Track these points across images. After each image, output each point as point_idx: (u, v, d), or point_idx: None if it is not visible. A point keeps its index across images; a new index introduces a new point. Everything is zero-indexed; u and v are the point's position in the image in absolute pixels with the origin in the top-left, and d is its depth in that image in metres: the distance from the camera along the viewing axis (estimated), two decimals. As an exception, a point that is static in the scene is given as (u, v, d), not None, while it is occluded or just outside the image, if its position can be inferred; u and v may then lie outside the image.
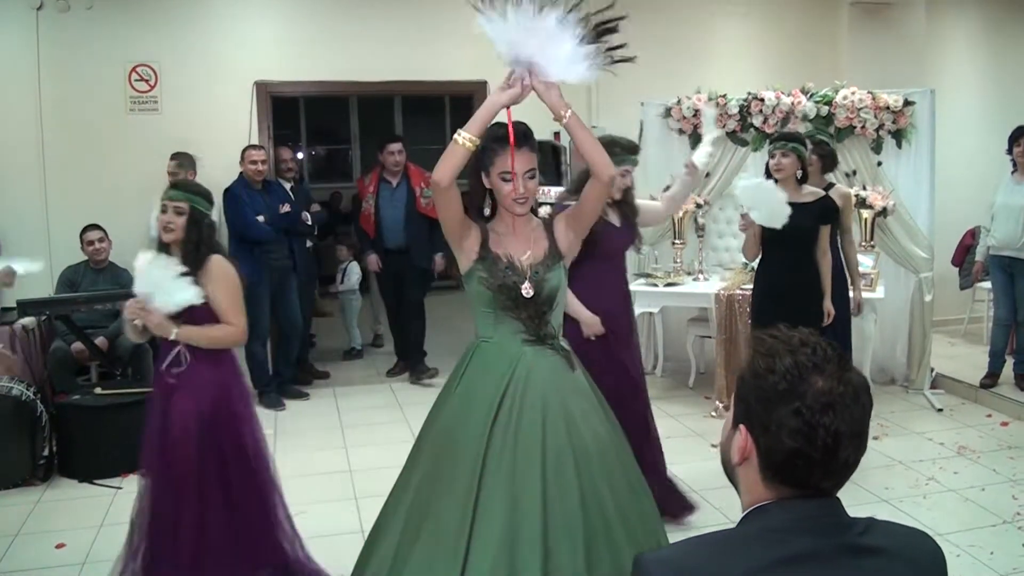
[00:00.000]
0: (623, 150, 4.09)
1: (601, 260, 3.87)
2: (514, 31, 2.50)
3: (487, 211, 2.80)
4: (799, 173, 4.66)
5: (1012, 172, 6.16)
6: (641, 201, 4.30)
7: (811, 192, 4.73)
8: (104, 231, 5.97)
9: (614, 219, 4.10)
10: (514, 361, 2.68)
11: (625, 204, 4.17)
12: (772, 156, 4.65)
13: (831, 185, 5.28)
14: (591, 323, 3.87)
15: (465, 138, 2.55)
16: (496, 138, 2.65)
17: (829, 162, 5.25)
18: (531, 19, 2.49)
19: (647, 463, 3.49)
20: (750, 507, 1.40)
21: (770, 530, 1.34)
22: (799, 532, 1.32)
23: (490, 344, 2.74)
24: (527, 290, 2.66)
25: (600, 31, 2.54)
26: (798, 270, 4.68)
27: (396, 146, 6.95)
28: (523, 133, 2.68)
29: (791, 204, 4.40)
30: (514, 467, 2.56)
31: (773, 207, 4.39)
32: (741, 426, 1.39)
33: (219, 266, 3.33)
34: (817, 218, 4.64)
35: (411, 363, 7.04)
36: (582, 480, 2.59)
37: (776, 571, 1.29)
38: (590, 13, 2.53)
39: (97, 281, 5.88)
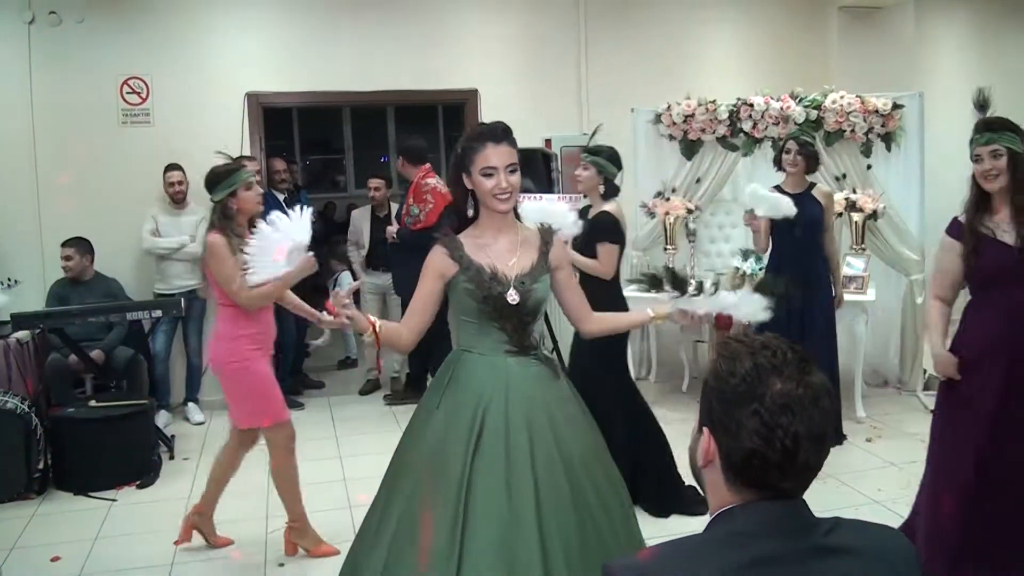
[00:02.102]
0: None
1: None
2: None
3: (471, 213, 2.78)
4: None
5: (1000, 174, 6.18)
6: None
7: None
8: (79, 247, 5.88)
9: None
10: (498, 373, 2.67)
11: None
12: (787, 152, 5.18)
13: (813, 184, 5.31)
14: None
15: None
16: (476, 136, 2.67)
17: (813, 163, 5.28)
18: None
19: None
20: (716, 510, 1.42)
21: (735, 534, 1.35)
22: (764, 535, 1.33)
23: (472, 355, 2.72)
24: (512, 297, 2.65)
25: None
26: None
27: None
28: (502, 129, 2.68)
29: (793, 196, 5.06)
30: (506, 479, 2.53)
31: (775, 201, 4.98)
32: (705, 428, 1.41)
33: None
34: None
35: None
36: (573, 488, 2.58)
37: (742, 575, 1.30)
38: None
39: (86, 295, 5.85)
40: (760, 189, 5.12)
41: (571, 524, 2.53)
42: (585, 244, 4.46)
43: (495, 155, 2.62)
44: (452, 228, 2.78)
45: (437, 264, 2.71)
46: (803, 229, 5.16)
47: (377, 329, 2.65)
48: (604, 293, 4.31)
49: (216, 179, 3.98)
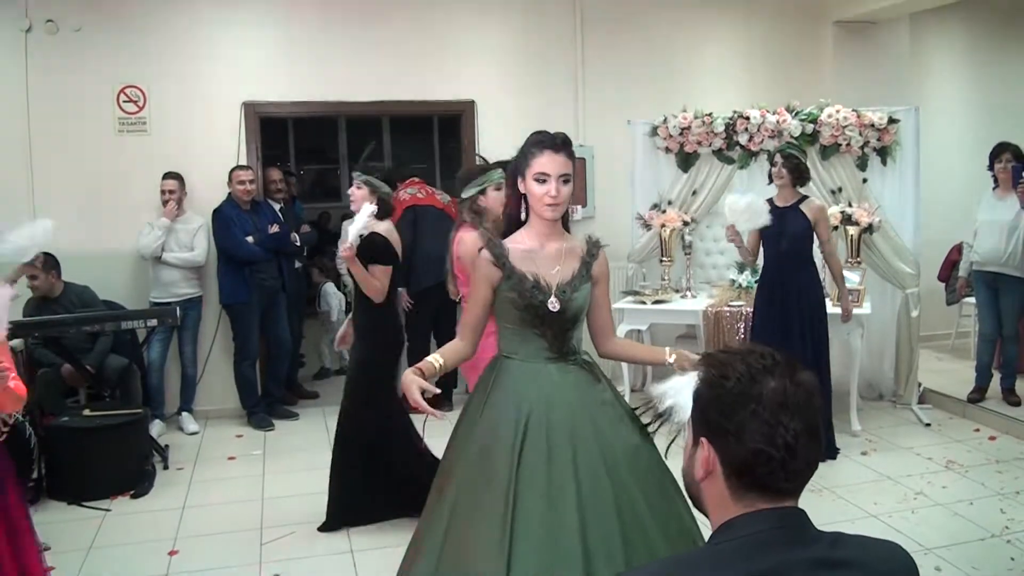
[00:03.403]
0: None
1: None
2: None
3: (523, 216, 2.82)
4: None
5: (993, 188, 6.22)
6: None
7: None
8: (44, 264, 5.56)
9: None
10: (539, 380, 2.71)
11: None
12: (774, 165, 5.24)
13: (804, 198, 5.33)
14: None
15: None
16: (535, 142, 2.72)
17: (798, 175, 5.29)
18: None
19: None
20: (718, 524, 1.42)
21: (737, 546, 1.35)
22: (766, 547, 1.33)
23: (513, 361, 2.77)
24: (553, 304, 2.69)
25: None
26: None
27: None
28: (562, 139, 2.73)
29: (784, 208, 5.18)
30: (548, 488, 2.55)
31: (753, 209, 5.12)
32: (702, 439, 1.42)
33: None
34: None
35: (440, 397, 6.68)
36: (617, 492, 2.59)
37: None
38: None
39: (60, 312, 5.66)
40: (739, 200, 5.21)
41: (615, 532, 2.53)
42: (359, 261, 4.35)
43: (551, 163, 2.67)
44: (500, 232, 2.86)
45: (485, 272, 2.76)
46: (788, 242, 5.24)
47: (439, 367, 2.75)
48: (373, 314, 4.40)
49: (468, 177, 4.24)
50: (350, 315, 4.74)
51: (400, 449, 4.53)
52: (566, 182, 2.70)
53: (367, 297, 4.34)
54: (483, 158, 4.77)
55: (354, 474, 4.53)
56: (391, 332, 4.59)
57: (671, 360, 2.83)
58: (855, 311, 5.77)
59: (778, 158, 5.30)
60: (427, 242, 6.32)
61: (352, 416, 4.55)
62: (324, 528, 4.53)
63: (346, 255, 4.24)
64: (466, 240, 3.95)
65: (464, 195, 4.18)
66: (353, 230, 4.29)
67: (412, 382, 2.59)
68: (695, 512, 2.75)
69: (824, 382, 5.29)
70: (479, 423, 2.73)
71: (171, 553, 4.28)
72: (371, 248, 4.33)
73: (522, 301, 2.70)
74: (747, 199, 5.19)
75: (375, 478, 4.51)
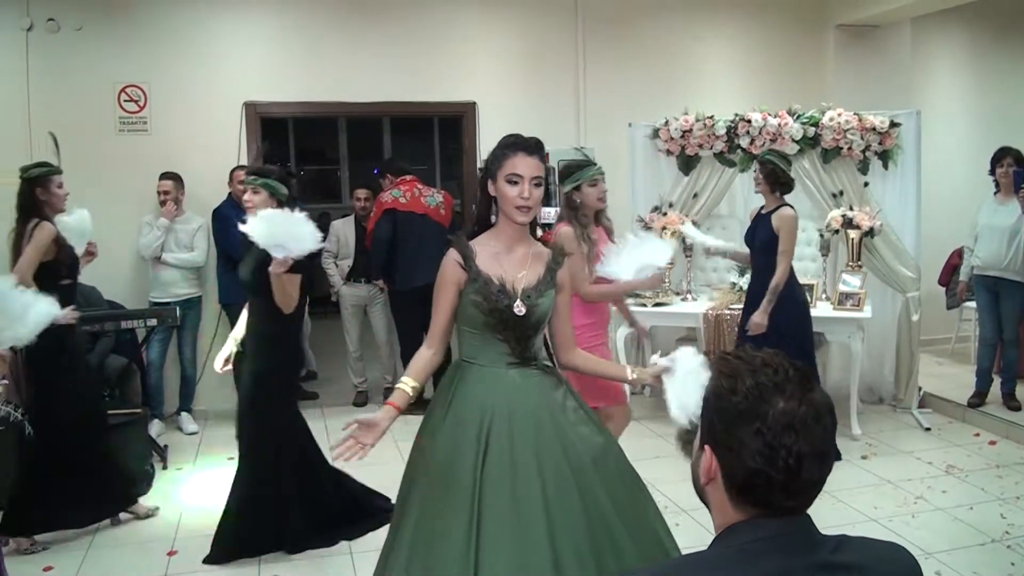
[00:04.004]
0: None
1: None
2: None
3: (492, 219, 2.81)
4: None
5: (995, 193, 6.22)
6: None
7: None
8: None
9: None
10: (500, 385, 2.68)
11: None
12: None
13: (781, 206, 5.25)
14: None
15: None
16: (508, 144, 2.70)
17: (774, 180, 5.25)
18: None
19: None
20: (721, 528, 1.41)
21: (741, 551, 1.34)
22: (769, 552, 1.33)
23: (474, 367, 2.74)
24: (519, 308, 2.66)
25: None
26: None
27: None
28: (535, 142, 2.72)
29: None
30: (514, 497, 2.54)
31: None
32: (707, 446, 1.41)
33: None
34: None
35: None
36: (584, 497, 2.58)
37: None
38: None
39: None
40: (691, 230, 5.69)
41: (584, 539, 2.53)
42: (258, 272, 4.02)
43: (524, 165, 2.66)
44: (468, 233, 2.80)
45: (451, 275, 2.73)
46: (757, 249, 5.30)
47: (412, 394, 2.75)
48: (279, 326, 4.14)
49: (567, 171, 4.32)
50: (232, 335, 4.49)
51: (303, 469, 4.33)
52: (537, 186, 2.68)
53: (272, 308, 4.05)
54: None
55: (262, 498, 4.19)
56: (294, 345, 4.41)
57: (633, 377, 2.83)
58: (855, 315, 5.78)
59: (755, 164, 5.34)
60: (412, 243, 6.51)
61: (253, 435, 4.21)
62: (209, 560, 4.17)
63: (281, 269, 3.84)
64: (562, 233, 4.11)
65: (564, 190, 4.29)
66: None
67: (375, 435, 2.65)
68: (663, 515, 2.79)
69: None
70: (441, 431, 2.70)
71: (170, 553, 4.27)
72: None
73: (487, 304, 2.67)
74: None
75: (284, 503, 4.22)
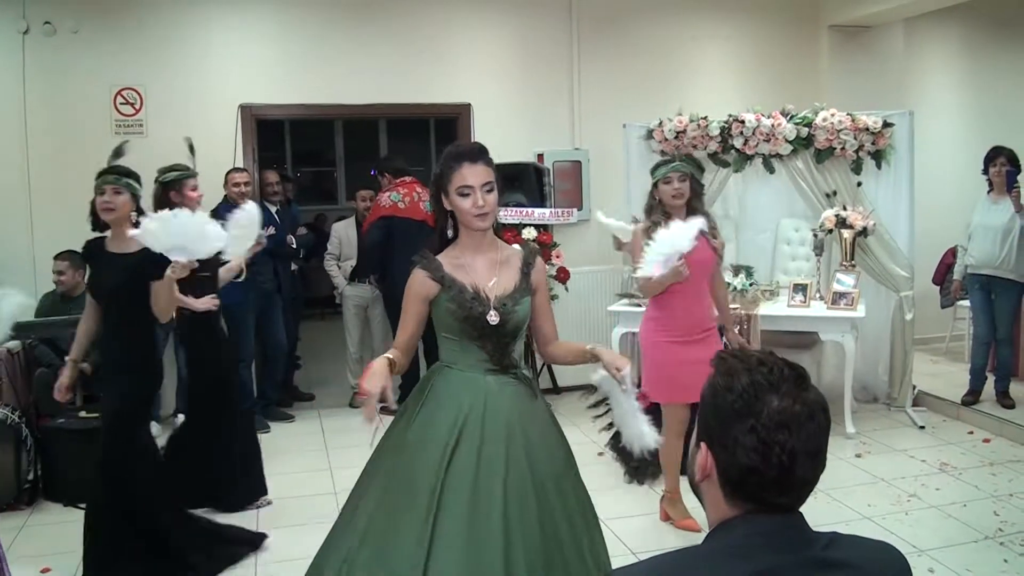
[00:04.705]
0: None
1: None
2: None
3: (450, 234, 2.79)
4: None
5: (988, 192, 6.25)
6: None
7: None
8: (73, 260, 5.70)
9: None
10: (476, 390, 2.68)
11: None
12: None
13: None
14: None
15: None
16: (452, 156, 2.69)
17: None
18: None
19: None
20: (715, 524, 1.43)
21: (734, 546, 1.36)
22: (762, 548, 1.34)
23: (453, 371, 2.74)
24: (492, 317, 2.66)
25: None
26: None
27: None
28: (478, 148, 2.72)
29: None
30: (475, 497, 2.53)
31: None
32: (702, 443, 1.43)
33: None
34: None
35: None
36: (541, 508, 2.58)
37: None
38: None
39: (76, 311, 5.70)
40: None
41: (536, 545, 2.53)
42: (135, 282, 3.77)
43: (471, 174, 2.65)
44: (431, 248, 2.79)
45: (419, 288, 2.72)
46: None
47: (394, 359, 2.65)
48: (148, 342, 3.98)
49: (655, 171, 4.41)
50: (70, 358, 4.06)
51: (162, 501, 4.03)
52: (490, 191, 2.67)
53: (140, 321, 3.84)
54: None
55: (117, 527, 3.90)
56: (159, 360, 4.16)
57: (588, 347, 2.80)
58: (849, 315, 5.80)
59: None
60: (410, 250, 6.37)
61: (117, 459, 3.85)
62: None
63: (183, 273, 3.68)
64: (638, 232, 4.39)
65: (650, 189, 4.44)
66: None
67: (382, 376, 2.49)
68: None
69: None
70: (412, 425, 2.69)
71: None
72: (156, 264, 3.69)
73: (461, 312, 2.66)
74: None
75: (133, 539, 3.94)
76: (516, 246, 2.89)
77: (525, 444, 2.65)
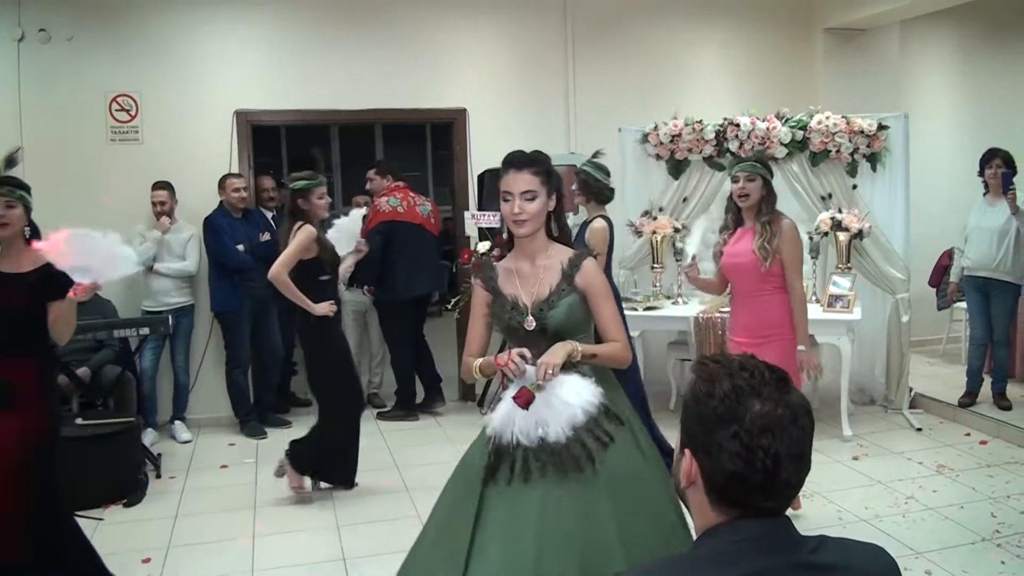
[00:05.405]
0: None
1: None
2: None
3: (504, 236, 2.95)
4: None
5: (984, 194, 6.26)
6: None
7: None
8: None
9: None
10: None
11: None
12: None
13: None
14: None
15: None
16: (503, 162, 2.80)
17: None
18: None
19: None
20: (702, 530, 1.43)
21: (721, 552, 1.36)
22: (750, 552, 1.35)
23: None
24: (529, 323, 2.74)
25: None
26: None
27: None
28: (524, 157, 2.78)
29: None
30: (514, 499, 2.56)
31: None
32: (686, 450, 1.43)
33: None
34: None
35: (433, 394, 6.56)
36: (586, 526, 2.50)
37: None
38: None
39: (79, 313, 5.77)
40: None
41: (574, 550, 2.46)
42: (39, 296, 3.51)
43: (513, 182, 2.74)
44: (498, 254, 2.97)
45: (480, 297, 2.90)
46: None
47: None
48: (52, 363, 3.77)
49: (728, 168, 4.51)
50: None
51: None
52: (531, 199, 2.72)
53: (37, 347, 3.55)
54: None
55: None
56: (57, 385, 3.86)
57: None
58: (845, 317, 5.81)
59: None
60: (410, 254, 6.56)
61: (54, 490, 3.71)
62: None
63: (85, 297, 3.48)
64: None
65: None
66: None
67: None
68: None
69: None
70: (480, 437, 2.77)
71: (163, 563, 4.27)
72: (59, 282, 3.44)
73: (501, 323, 2.80)
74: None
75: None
76: (568, 250, 2.87)
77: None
